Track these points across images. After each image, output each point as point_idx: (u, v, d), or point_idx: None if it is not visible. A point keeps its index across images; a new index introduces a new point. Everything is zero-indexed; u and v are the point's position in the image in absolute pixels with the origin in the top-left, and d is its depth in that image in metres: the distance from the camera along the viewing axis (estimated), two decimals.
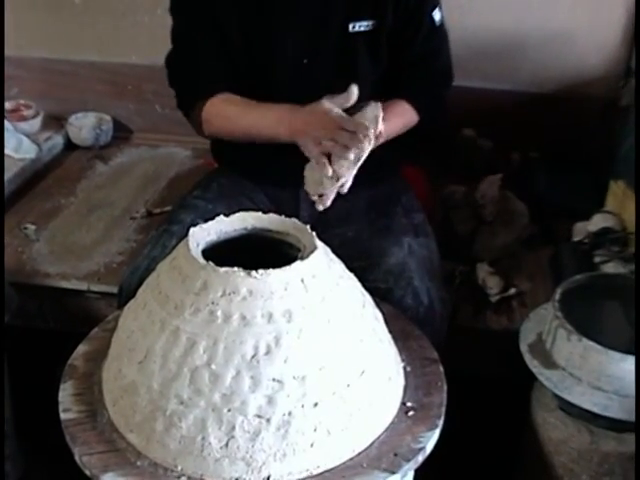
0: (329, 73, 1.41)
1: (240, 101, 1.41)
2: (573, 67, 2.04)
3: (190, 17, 1.45)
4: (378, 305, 1.08)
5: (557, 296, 1.29)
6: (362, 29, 1.41)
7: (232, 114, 1.41)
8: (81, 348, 1.11)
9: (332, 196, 1.24)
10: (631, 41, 1.97)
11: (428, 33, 1.45)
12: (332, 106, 1.22)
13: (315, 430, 0.91)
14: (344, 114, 1.21)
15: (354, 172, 1.22)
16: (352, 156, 1.19)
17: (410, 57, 1.46)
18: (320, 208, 1.25)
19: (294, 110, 1.30)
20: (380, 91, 1.45)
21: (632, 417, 1.18)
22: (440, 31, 1.48)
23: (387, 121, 1.34)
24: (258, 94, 1.38)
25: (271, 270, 0.92)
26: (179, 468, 0.91)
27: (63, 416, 0.99)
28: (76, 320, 1.68)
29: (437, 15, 1.46)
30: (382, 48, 1.44)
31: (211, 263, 0.94)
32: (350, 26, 1.41)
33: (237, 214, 1.06)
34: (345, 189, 1.23)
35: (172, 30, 1.48)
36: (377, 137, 1.22)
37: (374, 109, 1.23)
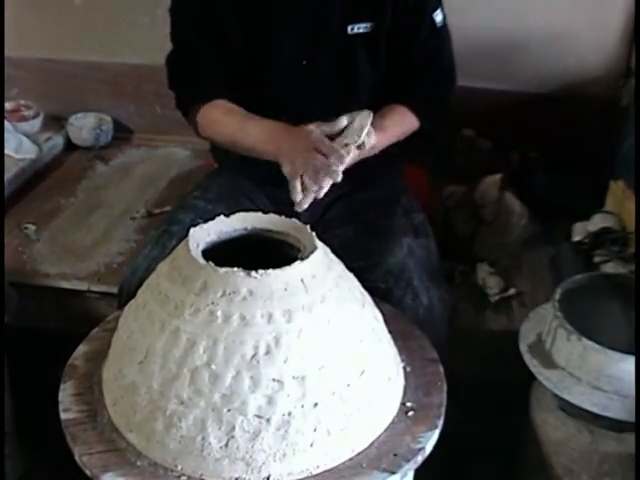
0: (328, 75, 1.40)
1: (235, 112, 1.40)
2: (573, 67, 2.04)
3: (190, 18, 1.44)
4: (378, 305, 1.08)
5: (557, 296, 1.29)
6: (361, 31, 1.41)
7: (225, 124, 1.41)
8: (81, 348, 1.11)
9: (309, 200, 1.23)
10: (631, 41, 1.97)
11: (429, 34, 1.44)
12: (315, 129, 1.22)
13: (315, 430, 0.91)
14: (324, 137, 1.21)
15: (330, 183, 1.21)
16: (324, 179, 1.18)
17: (411, 59, 1.46)
18: (298, 209, 1.24)
19: (285, 131, 1.29)
20: (380, 93, 1.45)
21: (632, 417, 1.18)
22: (442, 32, 1.47)
23: (386, 130, 1.35)
24: (257, 95, 1.38)
25: (271, 270, 0.92)
26: (179, 468, 0.91)
27: (63, 416, 0.99)
28: (76, 320, 1.67)
29: (438, 16, 1.45)
30: (381, 50, 1.44)
31: (211, 263, 0.94)
32: (349, 28, 1.40)
33: (237, 214, 1.06)
34: (320, 194, 1.22)
35: (171, 30, 1.48)
36: (360, 147, 1.22)
37: (362, 119, 1.22)
